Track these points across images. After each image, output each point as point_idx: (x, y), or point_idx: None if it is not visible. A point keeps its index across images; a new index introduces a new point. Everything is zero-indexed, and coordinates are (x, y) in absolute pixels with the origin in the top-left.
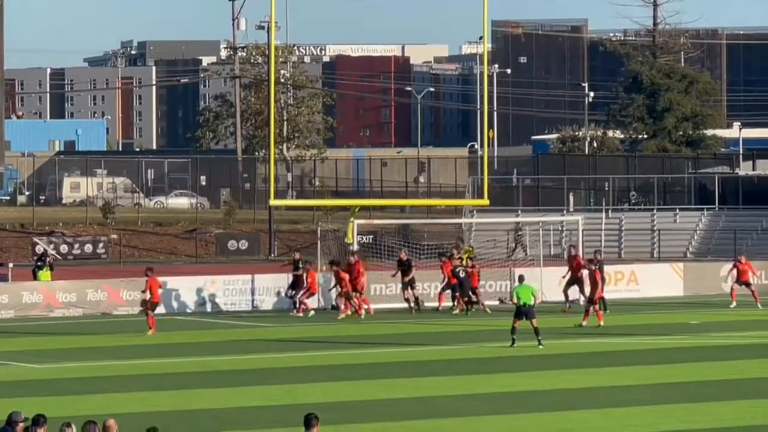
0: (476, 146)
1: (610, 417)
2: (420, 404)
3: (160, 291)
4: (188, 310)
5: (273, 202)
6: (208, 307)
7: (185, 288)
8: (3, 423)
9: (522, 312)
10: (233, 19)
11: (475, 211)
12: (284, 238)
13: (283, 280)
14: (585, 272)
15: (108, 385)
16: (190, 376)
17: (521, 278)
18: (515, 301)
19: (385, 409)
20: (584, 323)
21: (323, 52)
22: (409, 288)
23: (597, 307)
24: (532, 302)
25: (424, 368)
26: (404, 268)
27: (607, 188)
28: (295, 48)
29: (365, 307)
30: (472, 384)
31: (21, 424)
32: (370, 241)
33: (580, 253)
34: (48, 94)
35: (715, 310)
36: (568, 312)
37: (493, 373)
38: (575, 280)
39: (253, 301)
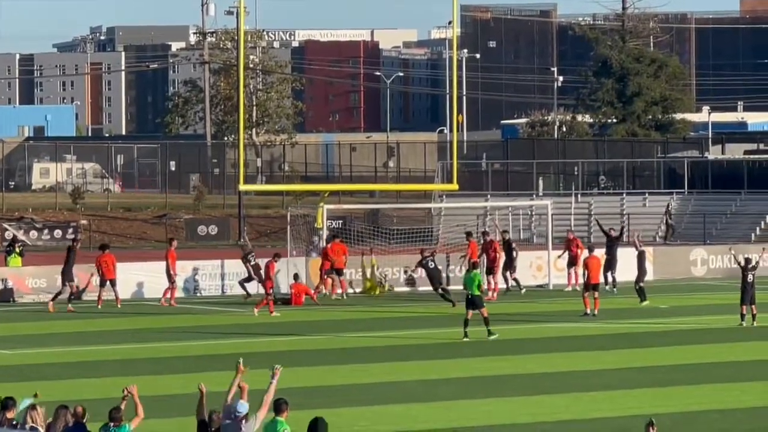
0: (445, 131)
1: (579, 402)
2: (390, 389)
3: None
4: (158, 296)
5: (242, 187)
6: (178, 293)
7: (154, 273)
8: None
9: (470, 302)
10: (202, 5)
11: (444, 196)
12: (254, 223)
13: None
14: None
15: (79, 370)
16: (160, 361)
17: (474, 265)
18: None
19: (355, 394)
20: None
21: (292, 37)
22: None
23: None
24: (478, 292)
25: (395, 353)
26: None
27: (576, 172)
28: (264, 33)
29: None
30: (442, 368)
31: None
32: (340, 225)
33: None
34: (17, 80)
35: (685, 294)
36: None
37: (464, 357)
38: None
39: (222, 286)
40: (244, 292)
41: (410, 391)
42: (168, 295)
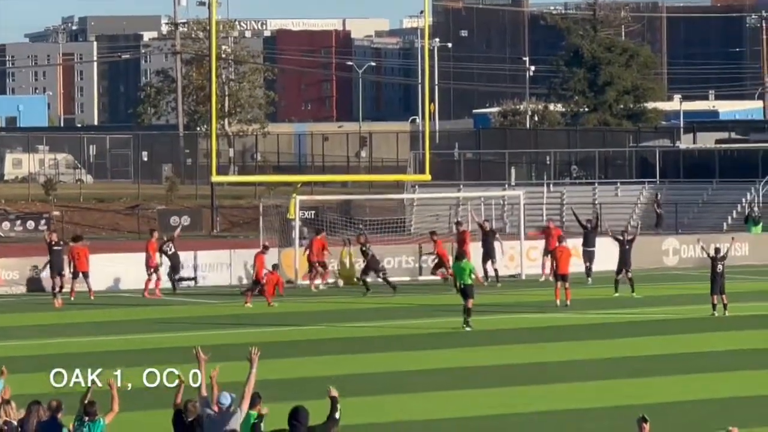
0: (417, 120)
1: (554, 393)
2: (362, 381)
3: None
4: (131, 287)
5: (215, 178)
6: (151, 284)
7: (128, 265)
8: None
9: (462, 292)
10: None
11: (417, 186)
12: (227, 214)
13: (226, 256)
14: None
15: (53, 363)
16: (136, 354)
17: (457, 256)
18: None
19: (325, 386)
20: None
21: (264, 26)
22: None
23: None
24: (469, 281)
25: (370, 344)
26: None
27: (548, 162)
28: (236, 23)
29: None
30: (415, 360)
31: None
32: (312, 216)
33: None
34: None
35: (657, 284)
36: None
37: (438, 348)
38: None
39: (195, 277)
40: (184, 284)
41: (382, 382)
42: (152, 286)
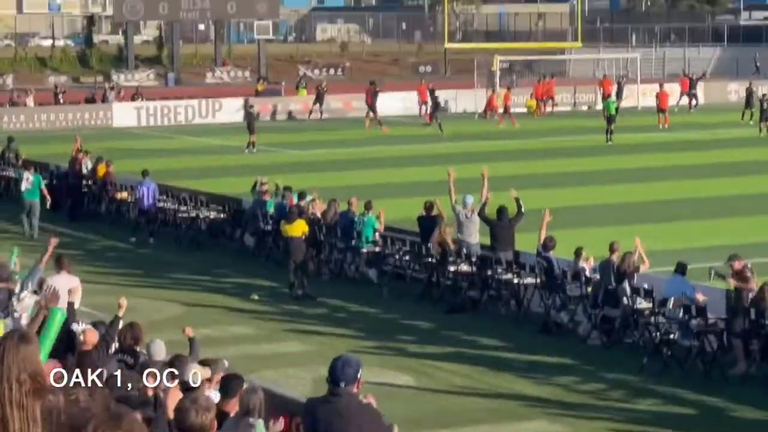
0: (573, 2)
1: (668, 187)
2: (523, 181)
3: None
4: (395, 114)
5: (447, 45)
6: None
7: (389, 98)
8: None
9: (607, 119)
10: None
11: (572, 50)
12: (454, 62)
13: (453, 93)
14: None
15: (340, 165)
16: (407, 159)
17: (605, 96)
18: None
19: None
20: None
21: None
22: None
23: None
24: (613, 112)
25: (527, 155)
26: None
27: (656, 31)
28: None
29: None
30: (566, 165)
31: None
32: (507, 66)
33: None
34: None
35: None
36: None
37: (583, 157)
38: None
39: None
40: None
41: (536, 181)
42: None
